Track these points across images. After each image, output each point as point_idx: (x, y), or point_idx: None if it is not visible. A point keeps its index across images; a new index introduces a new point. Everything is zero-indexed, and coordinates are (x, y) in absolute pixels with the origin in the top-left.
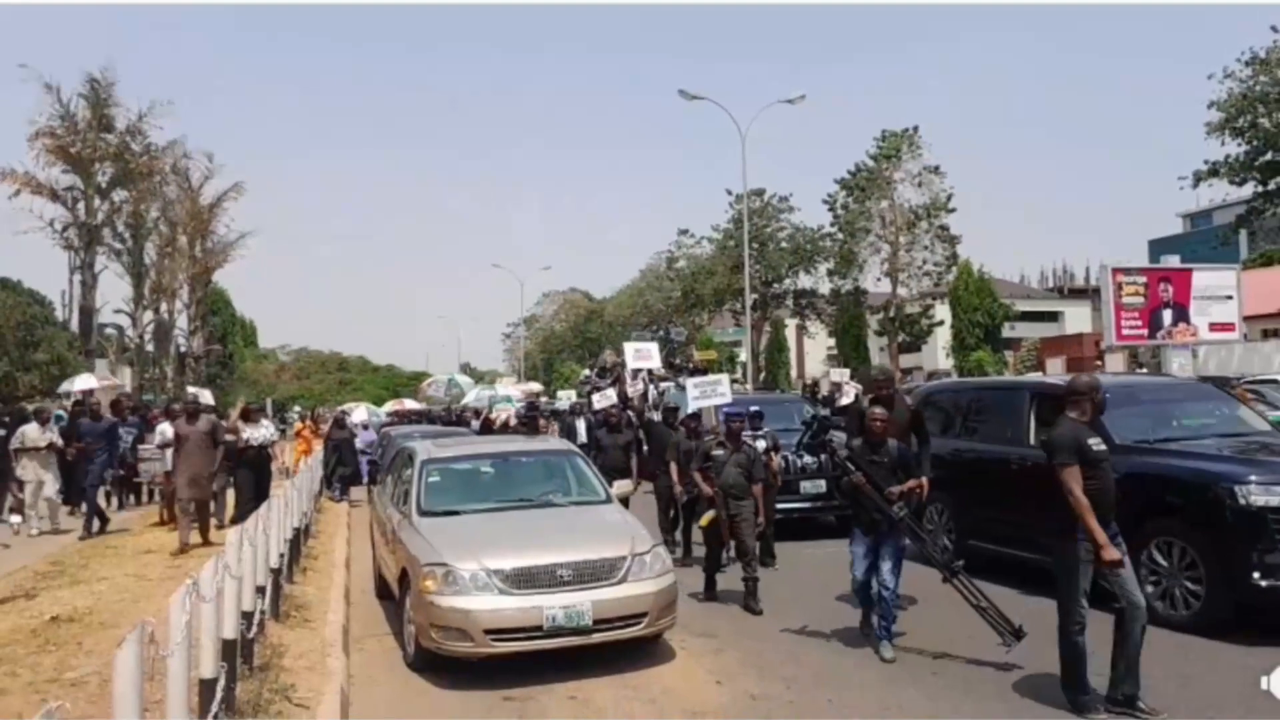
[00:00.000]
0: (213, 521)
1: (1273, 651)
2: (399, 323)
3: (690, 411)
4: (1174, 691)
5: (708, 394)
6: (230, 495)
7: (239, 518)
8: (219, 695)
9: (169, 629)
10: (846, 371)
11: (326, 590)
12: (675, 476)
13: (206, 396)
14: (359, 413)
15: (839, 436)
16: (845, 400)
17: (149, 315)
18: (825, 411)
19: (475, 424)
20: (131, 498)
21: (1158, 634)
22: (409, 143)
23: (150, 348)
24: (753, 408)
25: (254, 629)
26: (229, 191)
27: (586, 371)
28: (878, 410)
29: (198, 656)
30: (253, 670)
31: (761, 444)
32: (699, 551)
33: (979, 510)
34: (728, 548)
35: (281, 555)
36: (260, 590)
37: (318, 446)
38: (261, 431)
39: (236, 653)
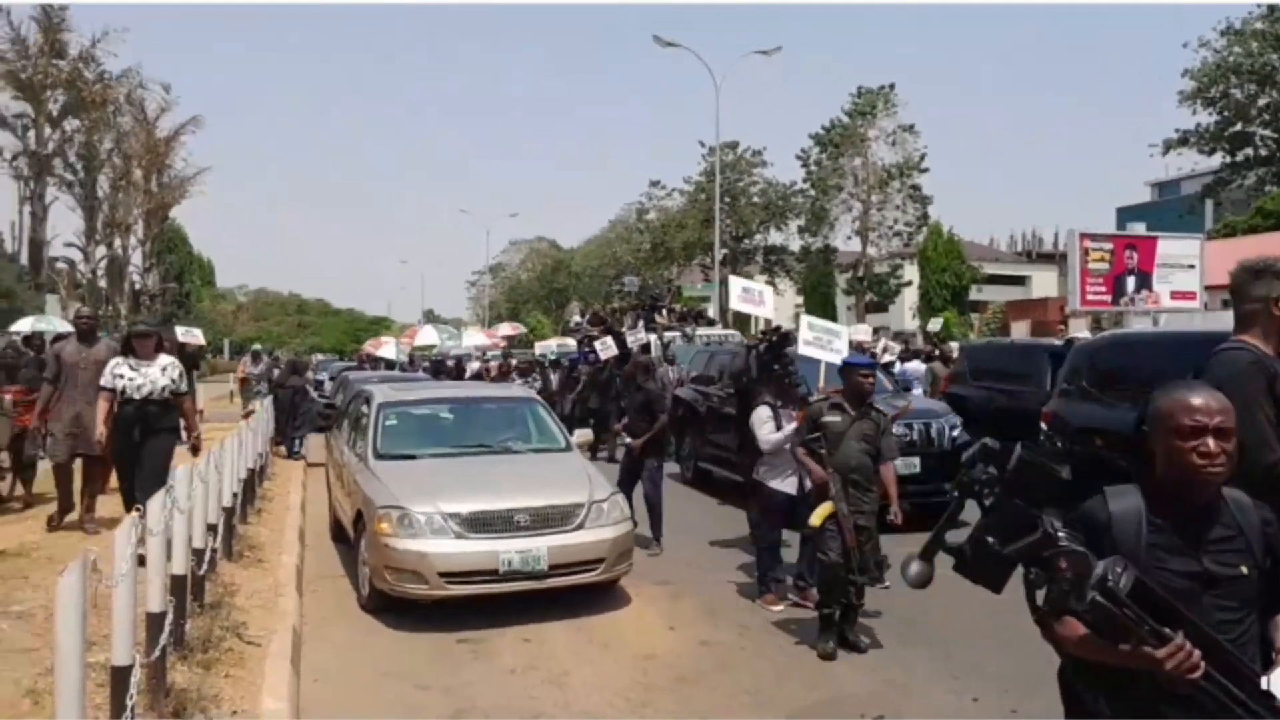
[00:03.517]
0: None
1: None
2: (361, 266)
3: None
4: None
5: (823, 344)
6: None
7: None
8: (167, 630)
9: (115, 562)
10: (867, 328)
11: (280, 532)
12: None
13: (196, 335)
14: (388, 348)
15: None
16: (888, 359)
17: (102, 250)
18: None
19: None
20: None
21: None
22: (375, 82)
23: (103, 284)
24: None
25: (205, 566)
26: (186, 125)
27: (576, 318)
28: None
29: (146, 591)
30: (204, 607)
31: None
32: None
33: None
34: (854, 555)
35: (235, 495)
36: (212, 528)
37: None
38: (151, 374)
39: (186, 589)
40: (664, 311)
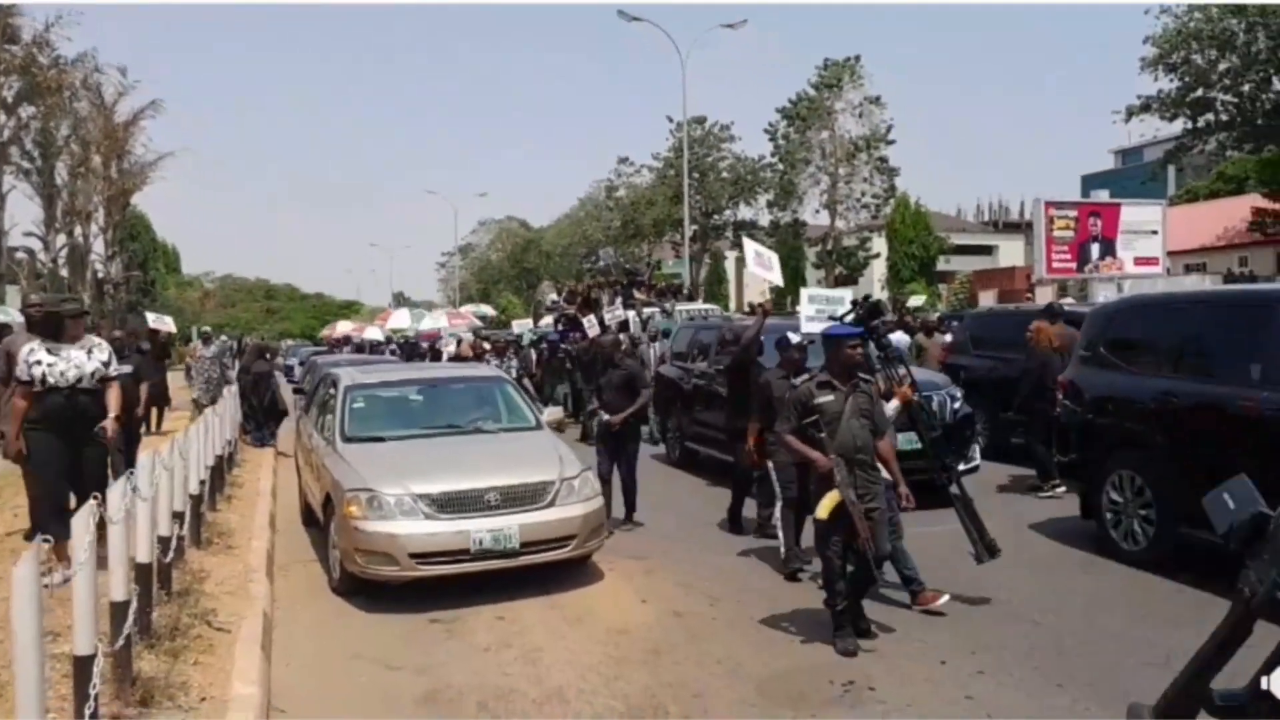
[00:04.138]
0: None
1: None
2: (329, 250)
3: (799, 337)
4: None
5: (825, 317)
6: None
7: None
8: (131, 618)
9: (74, 551)
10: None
11: (250, 518)
12: (752, 438)
13: (167, 322)
14: (400, 316)
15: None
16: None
17: (62, 239)
18: None
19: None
20: None
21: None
22: (340, 64)
23: (65, 273)
24: (792, 336)
25: (171, 554)
26: (146, 109)
27: (553, 296)
28: None
29: (109, 580)
30: (171, 595)
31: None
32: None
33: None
34: (869, 548)
35: (202, 482)
36: (178, 516)
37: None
38: (76, 358)
39: (152, 577)
40: (643, 288)
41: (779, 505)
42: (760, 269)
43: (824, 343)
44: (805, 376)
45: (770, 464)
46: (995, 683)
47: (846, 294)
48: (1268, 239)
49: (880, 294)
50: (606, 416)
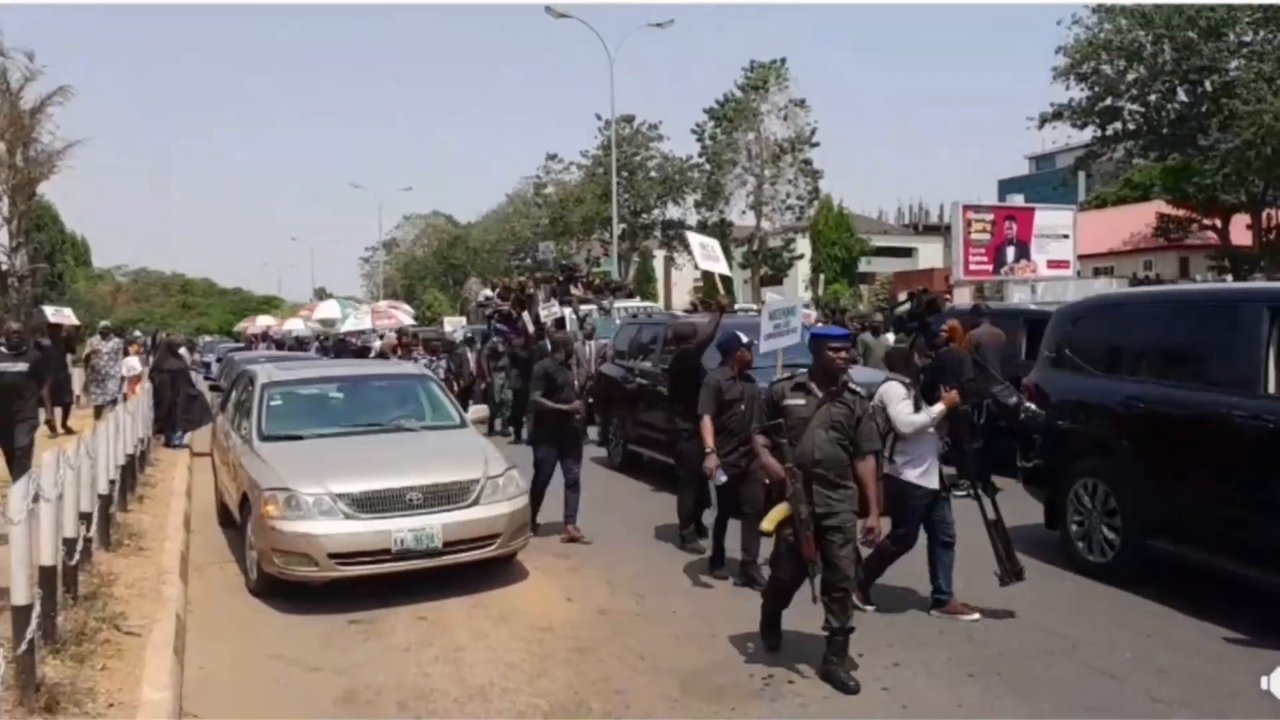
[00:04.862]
0: None
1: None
2: (248, 243)
3: (762, 353)
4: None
5: (783, 330)
6: None
7: None
8: (35, 622)
9: None
10: (779, 298)
11: (164, 518)
12: (707, 438)
13: (67, 315)
14: (328, 307)
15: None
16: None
17: None
18: None
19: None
20: None
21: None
22: (262, 52)
23: None
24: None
25: (78, 556)
26: (53, 95)
27: (487, 292)
28: None
29: (9, 584)
30: (78, 599)
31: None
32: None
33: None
34: (813, 570)
35: (112, 481)
36: (86, 517)
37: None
38: None
39: (57, 580)
40: (579, 284)
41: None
42: (708, 261)
43: (810, 343)
44: (787, 375)
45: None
46: (910, 673)
47: (799, 300)
48: (1171, 244)
49: (804, 293)
50: (563, 406)
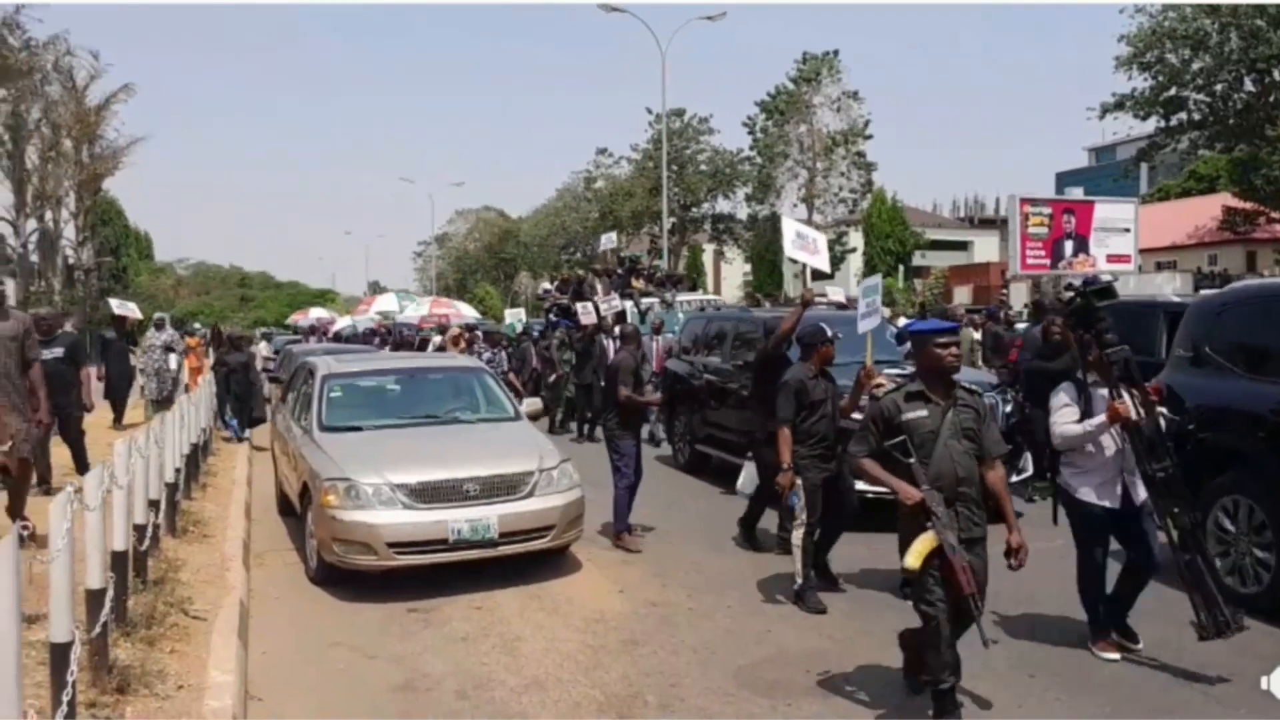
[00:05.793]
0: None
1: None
2: (304, 238)
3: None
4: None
5: (871, 308)
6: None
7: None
8: (108, 606)
9: (50, 538)
10: (827, 286)
11: (226, 507)
12: (784, 451)
13: (131, 308)
14: (385, 300)
15: None
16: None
17: (32, 224)
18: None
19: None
20: None
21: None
22: (318, 51)
23: (35, 258)
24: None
25: (147, 542)
26: (118, 93)
27: (546, 285)
28: None
29: (85, 568)
30: (147, 584)
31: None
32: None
33: None
34: (976, 606)
35: (178, 470)
36: (154, 504)
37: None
38: None
39: (128, 565)
40: (640, 277)
41: (800, 531)
42: (803, 253)
43: (911, 341)
44: (891, 386)
45: (800, 482)
46: (969, 674)
47: (879, 278)
48: (1238, 237)
49: (856, 289)
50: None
